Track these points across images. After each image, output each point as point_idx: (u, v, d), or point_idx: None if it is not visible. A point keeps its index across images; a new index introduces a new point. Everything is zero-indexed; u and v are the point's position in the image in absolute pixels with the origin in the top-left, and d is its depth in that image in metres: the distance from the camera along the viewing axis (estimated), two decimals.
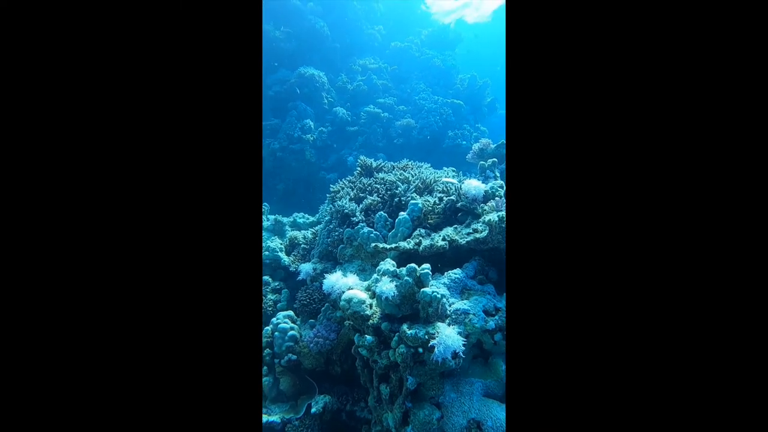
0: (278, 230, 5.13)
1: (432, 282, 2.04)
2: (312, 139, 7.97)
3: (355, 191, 3.18)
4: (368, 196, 3.05)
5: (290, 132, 7.89)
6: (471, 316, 1.95)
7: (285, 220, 5.21)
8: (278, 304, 3.52)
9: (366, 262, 2.83)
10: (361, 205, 3.00)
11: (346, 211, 2.98)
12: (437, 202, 2.56)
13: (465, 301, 2.03)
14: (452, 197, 2.53)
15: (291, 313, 3.00)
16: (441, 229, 2.46)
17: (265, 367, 2.77)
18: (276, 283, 3.67)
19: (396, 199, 2.89)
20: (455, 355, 1.84)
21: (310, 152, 7.89)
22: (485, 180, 3.24)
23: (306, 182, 7.96)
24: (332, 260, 3.15)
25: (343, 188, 3.31)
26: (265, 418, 2.60)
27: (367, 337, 1.98)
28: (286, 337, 2.76)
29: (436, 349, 1.80)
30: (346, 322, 2.38)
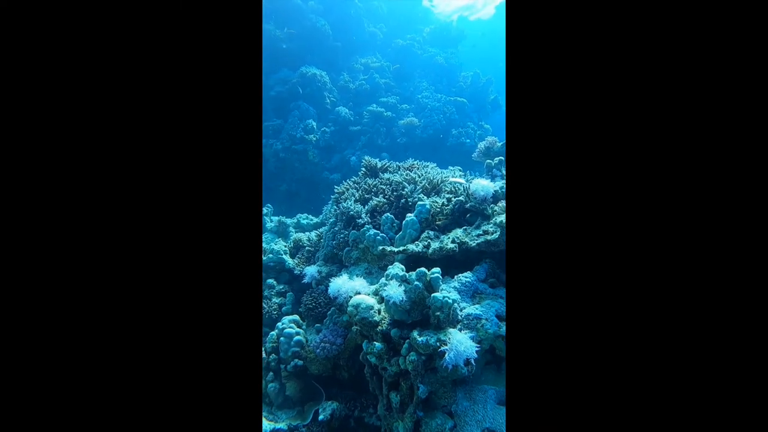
0: (282, 232, 5.08)
1: (442, 286, 1.97)
2: (315, 139, 7.91)
3: (360, 192, 3.11)
4: (374, 197, 2.99)
5: (293, 132, 7.83)
6: (483, 321, 1.89)
7: (289, 221, 5.16)
8: (283, 308, 3.47)
9: (373, 265, 2.77)
10: (366, 207, 2.94)
11: (351, 212, 2.92)
12: (445, 203, 2.49)
13: (477, 306, 1.97)
14: (461, 198, 2.46)
15: (296, 317, 2.95)
16: (449, 231, 2.40)
17: (270, 373, 2.71)
18: (281, 286, 3.62)
19: (402, 200, 2.83)
20: (468, 362, 1.77)
21: (313, 152, 7.84)
22: (492, 179, 3.17)
23: (309, 183, 7.91)
24: (338, 263, 3.09)
25: (347, 189, 3.24)
26: (271, 425, 2.55)
27: (376, 344, 1.92)
28: (292, 342, 2.71)
29: (447, 356, 1.74)
30: (354, 328, 2.32)
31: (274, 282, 3.62)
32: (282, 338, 2.74)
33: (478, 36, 13.81)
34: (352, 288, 2.38)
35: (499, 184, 2.47)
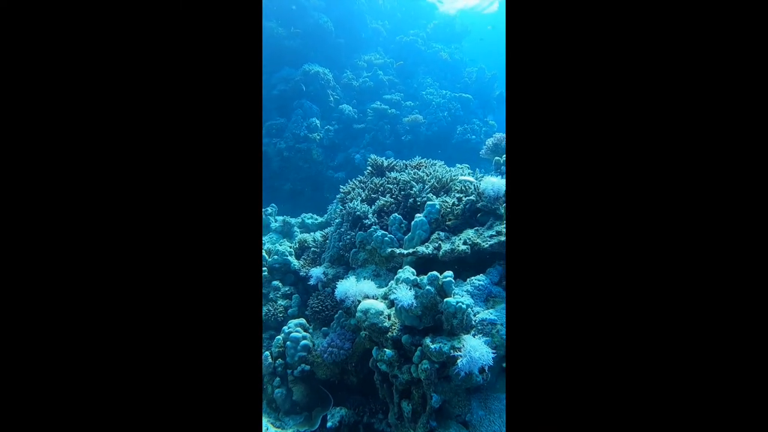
0: (287, 232, 5.02)
1: (454, 290, 1.89)
2: (318, 137, 7.84)
3: (366, 192, 3.03)
4: (381, 197, 2.91)
5: (296, 131, 7.76)
6: (498, 326, 1.81)
7: (293, 221, 5.09)
8: (289, 310, 3.40)
9: (380, 267, 2.69)
10: (373, 207, 2.86)
11: (357, 213, 2.84)
12: (456, 202, 2.41)
13: (491, 310, 1.89)
14: (471, 197, 2.37)
15: (303, 321, 2.88)
16: (460, 232, 2.31)
17: (277, 379, 2.65)
18: (286, 288, 3.56)
19: (411, 200, 2.75)
20: (483, 369, 1.69)
21: (316, 151, 7.77)
22: (502, 176, 3.08)
23: (313, 182, 7.84)
24: (344, 265, 3.02)
25: (353, 189, 3.17)
26: (278, 431, 2.49)
27: (387, 351, 1.84)
28: (299, 347, 2.64)
29: (461, 364, 1.66)
30: (362, 333, 2.25)
31: (280, 284, 3.55)
32: (288, 343, 2.67)
33: (485, 30, 13.63)
34: (360, 291, 2.31)
35: None
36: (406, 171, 3.12)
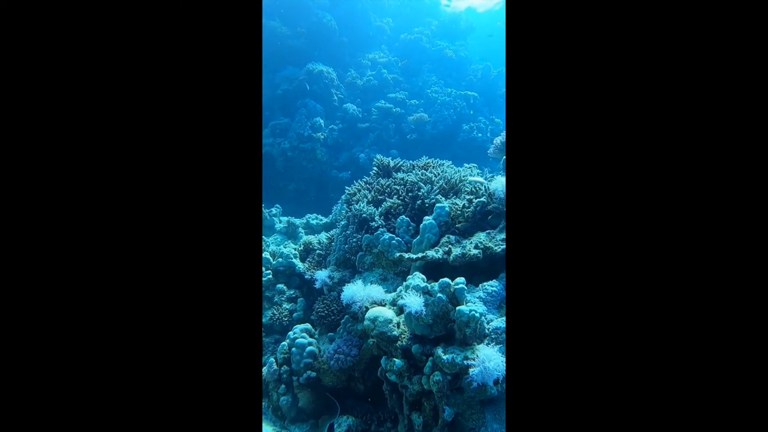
0: (291, 233, 4.96)
1: (467, 297, 1.81)
2: (323, 137, 7.77)
3: (372, 193, 2.96)
4: (387, 199, 2.83)
5: (300, 131, 7.70)
6: None
7: (298, 221, 5.03)
8: (294, 314, 3.34)
9: (388, 271, 2.62)
10: (380, 209, 2.78)
11: (364, 215, 2.77)
12: (466, 204, 2.32)
13: (505, 318, 1.80)
14: (482, 199, 2.29)
15: (308, 326, 2.81)
16: (471, 235, 2.23)
17: (282, 386, 2.59)
18: (291, 292, 3.50)
19: (419, 202, 2.67)
20: (497, 381, 1.61)
21: (321, 151, 7.70)
22: None
23: (318, 182, 7.78)
24: (350, 268, 2.94)
25: (359, 190, 3.09)
26: None
27: (396, 360, 1.76)
28: (305, 354, 2.57)
29: (474, 375, 1.58)
30: (370, 341, 2.18)
31: (284, 287, 3.49)
32: (294, 349, 2.61)
33: (493, 26, 13.47)
34: (368, 296, 2.23)
35: None
36: (414, 172, 3.04)
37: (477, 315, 1.65)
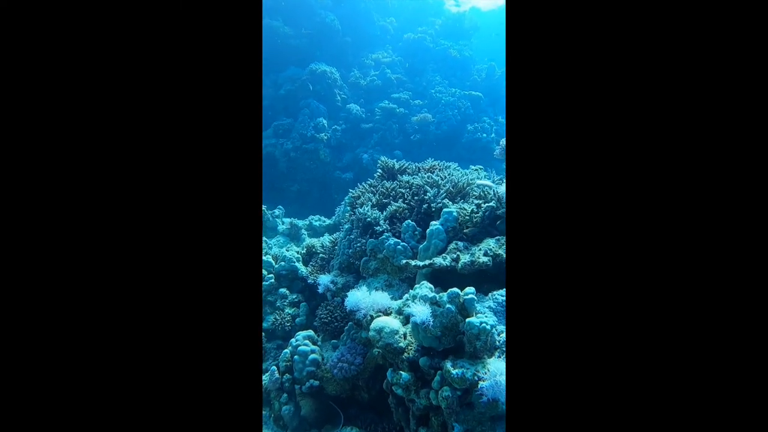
0: (294, 234, 4.90)
1: (476, 306, 1.74)
2: (326, 138, 7.70)
3: (377, 197, 2.88)
4: (392, 202, 2.76)
5: (303, 131, 7.64)
6: None
7: (300, 223, 4.97)
8: (297, 319, 3.27)
9: (393, 277, 2.55)
10: (384, 213, 2.71)
11: (368, 219, 2.69)
12: (475, 209, 2.24)
13: None
14: (491, 203, 2.21)
15: (311, 332, 2.75)
16: (480, 241, 2.15)
17: (285, 395, 2.52)
18: (294, 296, 3.43)
19: (425, 206, 2.59)
20: None
21: (324, 152, 7.64)
22: None
23: (321, 183, 7.72)
24: (354, 273, 2.87)
25: (363, 193, 3.02)
26: None
27: (403, 374, 1.69)
28: (307, 361, 2.51)
29: (485, 389, 1.51)
30: (375, 350, 2.11)
31: (287, 291, 3.43)
32: (296, 357, 2.54)
33: (500, 26, 13.36)
34: (373, 303, 2.16)
35: None
36: (419, 174, 2.96)
37: (488, 327, 1.57)
